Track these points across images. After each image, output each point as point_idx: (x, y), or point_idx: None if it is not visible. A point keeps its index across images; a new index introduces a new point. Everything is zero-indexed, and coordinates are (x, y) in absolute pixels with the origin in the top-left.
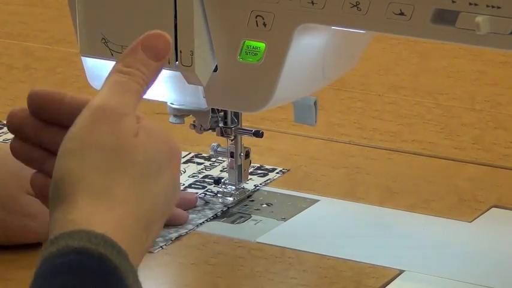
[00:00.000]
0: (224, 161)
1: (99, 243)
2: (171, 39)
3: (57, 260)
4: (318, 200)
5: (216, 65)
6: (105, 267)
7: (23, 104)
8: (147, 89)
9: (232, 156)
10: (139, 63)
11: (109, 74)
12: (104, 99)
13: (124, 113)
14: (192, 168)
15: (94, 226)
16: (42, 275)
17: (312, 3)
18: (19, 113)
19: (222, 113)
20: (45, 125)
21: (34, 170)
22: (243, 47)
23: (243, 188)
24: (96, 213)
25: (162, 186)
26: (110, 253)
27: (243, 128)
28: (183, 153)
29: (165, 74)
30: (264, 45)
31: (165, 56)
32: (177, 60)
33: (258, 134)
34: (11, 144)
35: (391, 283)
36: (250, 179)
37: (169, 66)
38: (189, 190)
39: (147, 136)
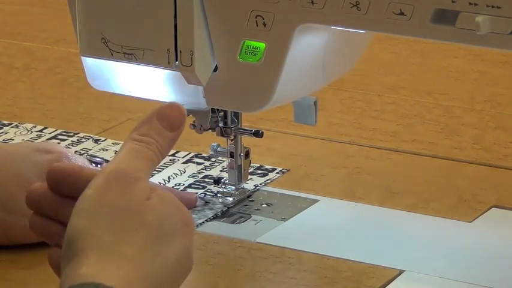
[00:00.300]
0: (224, 161)
1: None
2: (185, 111)
3: None
4: (318, 200)
5: (216, 65)
6: None
7: (22, 104)
8: (162, 158)
9: (232, 156)
10: (154, 132)
11: (124, 141)
12: (118, 163)
13: (137, 177)
14: (192, 168)
15: (102, 280)
16: None
17: (312, 3)
18: (38, 189)
19: (222, 113)
20: (63, 200)
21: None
22: (243, 47)
23: (243, 188)
24: (104, 268)
25: (173, 251)
26: None
27: (243, 128)
28: (183, 154)
29: (165, 74)
30: (264, 45)
31: (180, 127)
32: (177, 60)
33: (258, 134)
34: (30, 220)
35: (391, 283)
36: (250, 179)
37: (169, 66)
38: (189, 190)
39: (160, 200)
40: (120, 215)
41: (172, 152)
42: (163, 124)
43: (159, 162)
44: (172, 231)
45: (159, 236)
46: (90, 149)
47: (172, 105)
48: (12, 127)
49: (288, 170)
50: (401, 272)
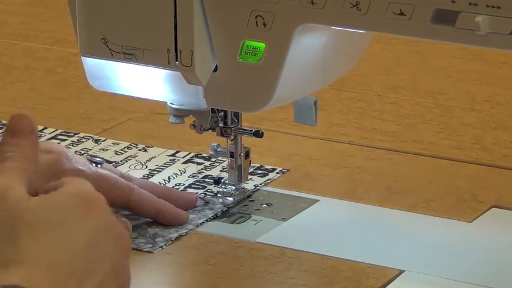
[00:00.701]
0: (224, 161)
1: None
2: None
3: None
4: (318, 200)
5: (216, 65)
6: None
7: (22, 104)
8: (33, 160)
9: (232, 156)
10: (8, 146)
11: None
12: None
13: (7, 188)
14: (192, 168)
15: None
16: None
17: (312, 3)
18: None
19: (222, 113)
20: None
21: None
22: (243, 47)
23: (243, 188)
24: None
25: (77, 236)
26: None
27: (243, 128)
28: (183, 154)
29: (165, 74)
30: (264, 45)
31: (32, 132)
32: (177, 60)
33: (258, 134)
34: None
35: (391, 283)
36: (250, 179)
37: (169, 66)
38: (189, 190)
39: (42, 198)
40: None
41: (172, 152)
42: (16, 135)
43: (32, 163)
44: (68, 218)
45: (50, 228)
46: (91, 149)
47: (17, 116)
48: None
49: (288, 170)
50: (401, 272)
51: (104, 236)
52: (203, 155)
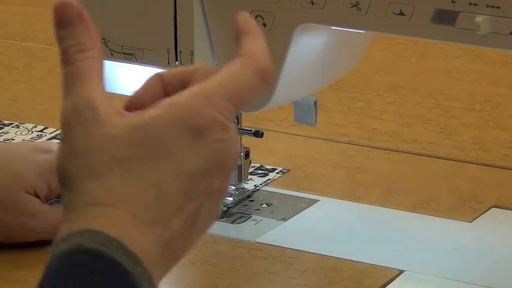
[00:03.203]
0: None
1: (111, 247)
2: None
3: (69, 259)
4: (318, 200)
5: (216, 65)
6: (117, 272)
7: (22, 104)
8: (97, 46)
9: None
10: (64, 41)
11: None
12: (70, 99)
13: (91, 101)
14: None
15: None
16: (54, 273)
17: (312, 3)
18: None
19: None
20: None
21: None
22: None
23: (243, 188)
24: (96, 219)
25: (181, 167)
26: (120, 257)
27: (243, 128)
28: None
29: None
30: None
31: (82, 17)
32: (177, 60)
33: (258, 134)
34: None
35: (391, 283)
36: (250, 179)
37: (169, 66)
38: None
39: (130, 127)
40: (87, 158)
41: None
42: (63, 25)
43: (101, 58)
44: (166, 155)
45: (139, 168)
46: None
47: (57, 8)
48: (12, 127)
49: (288, 170)
50: (401, 272)
51: (213, 167)
52: None
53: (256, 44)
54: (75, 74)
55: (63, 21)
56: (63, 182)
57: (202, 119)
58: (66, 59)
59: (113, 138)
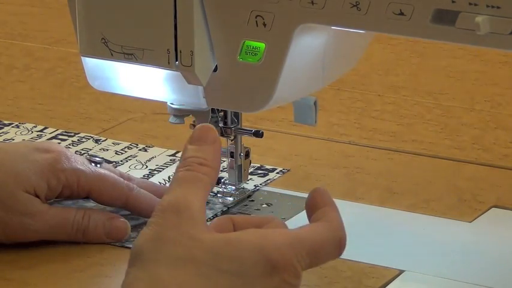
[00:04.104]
0: (224, 161)
1: None
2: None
3: None
4: None
5: (216, 65)
6: None
7: (22, 104)
8: (214, 172)
9: (232, 156)
10: (189, 152)
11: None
12: (172, 195)
13: (187, 205)
14: None
15: None
16: None
17: (312, 3)
18: None
19: (222, 113)
20: None
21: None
22: (243, 47)
23: (243, 188)
24: None
25: None
26: None
27: (243, 128)
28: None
29: (165, 74)
30: (264, 45)
31: (215, 141)
32: (177, 60)
33: (258, 134)
34: None
35: (391, 283)
36: (250, 179)
37: (169, 66)
38: None
39: (222, 239)
40: (169, 247)
41: (172, 152)
42: (196, 143)
43: (214, 179)
44: (240, 274)
45: (213, 275)
46: (91, 149)
47: (198, 127)
48: (12, 127)
49: (288, 170)
50: (401, 272)
51: None
52: None
53: (337, 215)
54: (186, 177)
55: (198, 139)
56: (135, 258)
57: (283, 259)
58: (184, 165)
59: (200, 240)
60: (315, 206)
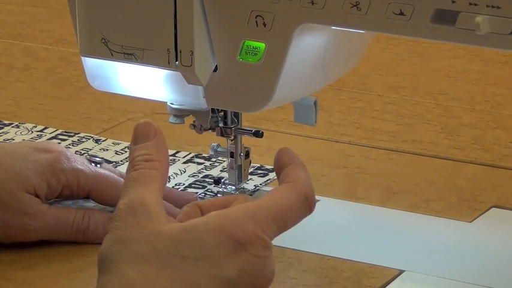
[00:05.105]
0: (224, 161)
1: None
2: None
3: None
4: (318, 200)
5: (216, 65)
6: None
7: (22, 104)
8: (164, 164)
9: (232, 156)
10: (134, 152)
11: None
12: (129, 197)
13: (143, 203)
14: (192, 168)
15: None
16: None
17: (312, 3)
18: None
19: (222, 113)
20: None
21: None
22: (243, 47)
23: (243, 188)
24: None
25: (217, 272)
26: None
27: (243, 128)
28: (183, 154)
29: (165, 74)
30: (264, 45)
31: (156, 134)
32: (177, 60)
33: (258, 134)
34: None
35: (391, 283)
36: (250, 179)
37: (169, 66)
38: (189, 190)
39: (180, 227)
40: (132, 246)
41: (172, 152)
42: (138, 142)
43: (165, 171)
44: (203, 257)
45: (177, 263)
46: (91, 149)
47: (136, 126)
48: (12, 127)
49: None
50: (401, 272)
51: (251, 281)
52: (203, 155)
53: (301, 172)
54: (136, 177)
55: (139, 138)
56: (101, 265)
57: (245, 233)
58: (132, 166)
59: (159, 233)
60: (282, 166)
